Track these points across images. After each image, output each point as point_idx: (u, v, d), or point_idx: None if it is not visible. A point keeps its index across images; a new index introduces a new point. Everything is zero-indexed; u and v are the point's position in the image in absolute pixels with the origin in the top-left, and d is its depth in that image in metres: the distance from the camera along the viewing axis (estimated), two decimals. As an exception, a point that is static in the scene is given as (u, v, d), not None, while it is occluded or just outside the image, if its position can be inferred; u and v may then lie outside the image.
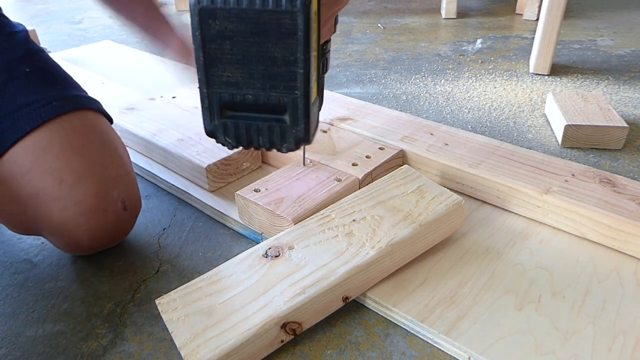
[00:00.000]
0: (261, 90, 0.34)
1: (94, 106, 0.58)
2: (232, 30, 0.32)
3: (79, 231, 0.52)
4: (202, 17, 0.32)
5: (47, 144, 0.52)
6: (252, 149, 0.38)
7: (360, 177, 0.60)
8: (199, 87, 0.35)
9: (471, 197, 0.63)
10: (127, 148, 0.76)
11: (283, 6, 0.31)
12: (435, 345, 0.45)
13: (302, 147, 0.37)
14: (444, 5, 1.56)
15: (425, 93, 1.01)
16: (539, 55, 1.06)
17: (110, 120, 0.61)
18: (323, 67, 0.53)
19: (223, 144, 0.38)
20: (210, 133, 0.37)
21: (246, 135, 0.37)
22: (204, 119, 0.36)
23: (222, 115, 0.36)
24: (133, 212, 0.57)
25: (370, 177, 0.62)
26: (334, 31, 0.49)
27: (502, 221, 0.59)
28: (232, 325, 0.42)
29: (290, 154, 0.66)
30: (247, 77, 0.34)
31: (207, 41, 0.33)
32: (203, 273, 0.48)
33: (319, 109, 0.40)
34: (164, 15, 0.61)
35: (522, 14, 1.55)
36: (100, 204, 0.52)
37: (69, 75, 0.61)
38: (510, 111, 0.91)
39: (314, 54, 0.34)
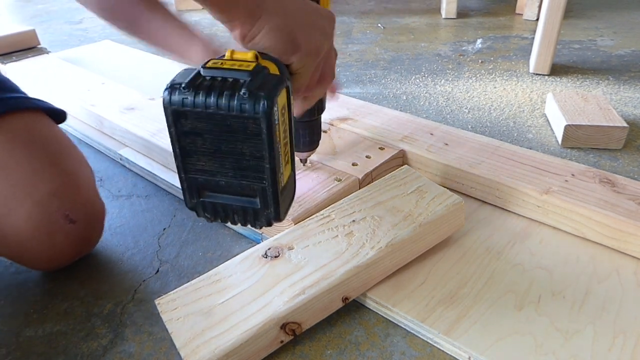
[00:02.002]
0: (233, 179, 0.37)
1: (29, 105, 0.53)
2: (202, 128, 0.35)
3: (30, 256, 0.50)
4: (175, 116, 0.35)
5: None
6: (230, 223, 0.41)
7: (360, 177, 0.60)
8: (178, 173, 0.38)
9: (471, 197, 0.63)
10: (127, 148, 0.77)
11: (247, 112, 0.34)
12: (435, 345, 0.45)
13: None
14: (444, 5, 1.56)
15: (425, 93, 1.01)
16: (539, 55, 1.06)
17: (60, 115, 0.57)
18: (309, 134, 0.58)
19: (204, 218, 0.41)
20: (190, 209, 0.40)
21: (223, 213, 0.40)
22: (185, 198, 0.39)
23: (200, 196, 0.39)
24: (87, 220, 0.52)
25: (370, 177, 0.62)
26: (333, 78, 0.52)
27: (502, 221, 0.59)
28: (232, 325, 0.42)
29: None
30: (219, 167, 0.37)
31: (180, 136, 0.36)
32: (203, 273, 0.48)
33: (293, 185, 0.43)
34: (182, 23, 0.56)
35: (522, 14, 1.55)
36: (38, 227, 0.48)
37: (4, 78, 0.56)
38: (510, 111, 0.91)
39: (282, 143, 0.37)
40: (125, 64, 1.14)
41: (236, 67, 0.35)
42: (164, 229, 0.62)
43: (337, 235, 0.50)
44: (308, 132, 0.57)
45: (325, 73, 0.46)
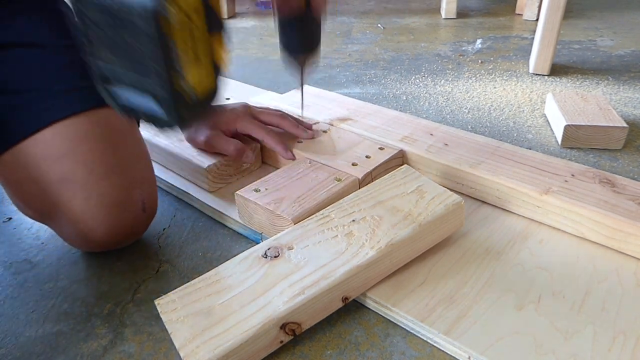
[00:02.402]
0: (138, 76, 0.35)
1: None
2: (100, 20, 0.33)
3: (95, 223, 0.52)
4: (78, 6, 0.34)
5: (85, 135, 0.53)
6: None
7: (360, 177, 0.60)
8: (84, 55, 0.36)
9: (471, 197, 0.63)
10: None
11: (133, 6, 0.31)
12: (435, 345, 0.45)
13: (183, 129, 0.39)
14: (444, 5, 1.56)
15: (425, 93, 1.01)
16: (538, 56, 1.06)
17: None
18: (297, 35, 0.51)
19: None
20: (99, 92, 0.38)
21: (131, 109, 0.37)
22: (94, 81, 0.37)
23: (105, 82, 0.37)
24: (150, 215, 0.57)
25: (370, 177, 0.62)
26: None
27: (502, 221, 0.59)
28: (232, 325, 0.42)
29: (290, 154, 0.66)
30: (121, 65, 0.35)
31: (84, 25, 0.34)
32: (203, 273, 0.48)
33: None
34: None
35: (522, 14, 1.55)
36: (122, 200, 0.53)
37: None
38: (510, 111, 0.91)
39: (190, 48, 0.34)
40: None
41: None
42: (164, 229, 0.62)
43: (336, 235, 0.50)
44: (296, 32, 0.52)
45: None
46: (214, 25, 0.37)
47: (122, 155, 0.54)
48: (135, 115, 0.37)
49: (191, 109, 0.36)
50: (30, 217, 0.59)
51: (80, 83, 0.54)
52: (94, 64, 0.36)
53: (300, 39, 0.53)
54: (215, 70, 0.38)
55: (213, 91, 0.38)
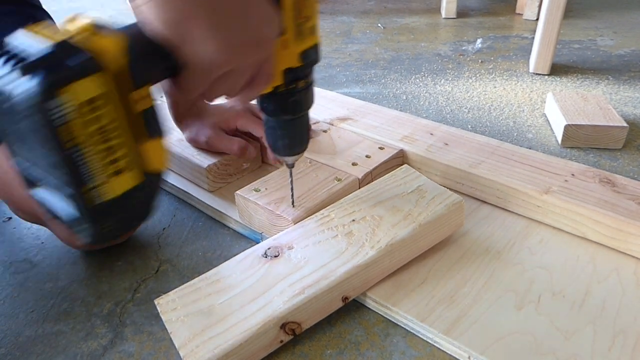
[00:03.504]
0: (50, 177, 0.30)
1: None
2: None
3: None
4: None
5: None
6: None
7: (360, 177, 0.60)
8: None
9: (471, 197, 0.63)
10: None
11: (14, 98, 0.26)
12: (435, 344, 0.45)
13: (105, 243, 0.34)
14: (444, 5, 1.56)
15: (425, 93, 1.01)
16: (538, 55, 1.06)
17: None
18: (288, 136, 0.46)
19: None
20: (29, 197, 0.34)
21: (52, 216, 0.33)
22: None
23: (32, 186, 0.33)
24: None
25: (370, 177, 0.62)
26: (308, 65, 0.43)
27: (502, 221, 0.59)
28: (231, 325, 0.42)
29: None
30: (34, 163, 0.30)
31: None
32: (203, 273, 0.48)
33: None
34: None
35: (522, 14, 1.55)
36: None
37: None
38: (510, 111, 0.91)
39: (92, 148, 0.29)
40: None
41: (48, 36, 0.27)
42: (164, 229, 0.62)
43: (337, 235, 0.50)
44: (287, 133, 0.48)
45: (256, 81, 0.37)
46: (150, 128, 0.32)
47: None
48: (64, 224, 0.33)
49: (101, 212, 0.31)
50: (25, 219, 0.58)
51: None
52: (17, 165, 0.32)
53: (285, 142, 0.48)
54: (146, 175, 0.33)
55: (140, 192, 0.33)
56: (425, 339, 0.45)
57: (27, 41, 0.27)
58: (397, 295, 0.48)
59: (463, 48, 1.28)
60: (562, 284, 0.49)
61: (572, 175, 0.59)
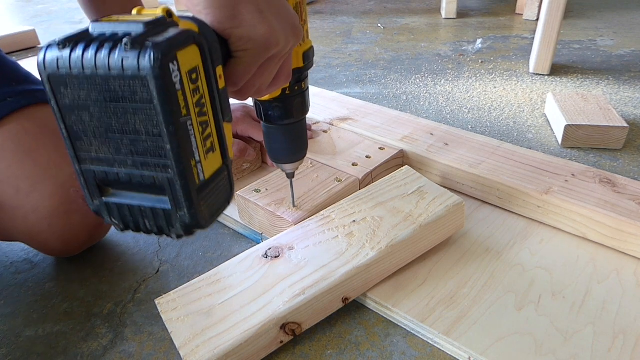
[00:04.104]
0: (133, 168, 0.29)
1: None
2: (85, 98, 0.27)
3: (45, 237, 0.51)
4: (53, 85, 0.28)
5: (0, 151, 0.51)
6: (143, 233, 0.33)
7: (360, 177, 0.60)
8: (72, 163, 0.30)
9: (471, 197, 0.63)
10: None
11: (130, 70, 0.25)
12: (435, 345, 0.45)
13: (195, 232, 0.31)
14: (444, 5, 1.56)
15: (425, 93, 1.01)
16: (539, 55, 1.06)
17: None
18: (288, 141, 0.46)
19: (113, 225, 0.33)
20: (95, 213, 0.32)
21: (132, 218, 0.31)
22: (86, 198, 0.31)
23: (102, 194, 0.31)
24: None
25: (370, 177, 0.62)
26: (307, 67, 0.44)
27: (502, 221, 0.59)
28: (232, 325, 0.42)
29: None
30: (115, 152, 0.29)
31: (64, 112, 0.28)
32: (203, 273, 0.48)
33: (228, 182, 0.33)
34: None
35: (522, 14, 1.55)
36: (58, 206, 0.51)
37: (27, 72, 0.59)
38: (510, 111, 0.91)
39: (196, 120, 0.29)
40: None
41: (132, 20, 0.27)
42: (164, 229, 0.62)
43: (337, 236, 0.50)
44: (288, 137, 0.48)
45: (279, 75, 0.39)
46: (226, 110, 0.33)
47: (45, 160, 0.51)
48: (137, 224, 0.31)
49: (205, 197, 0.31)
50: (2, 240, 0.58)
51: None
52: (85, 170, 0.30)
53: (284, 147, 0.49)
54: (226, 155, 0.33)
55: (226, 174, 0.33)
56: (425, 339, 0.45)
57: (114, 26, 0.27)
58: (397, 296, 0.48)
59: (463, 48, 1.29)
60: (562, 284, 0.49)
61: (573, 175, 0.59)
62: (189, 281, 0.47)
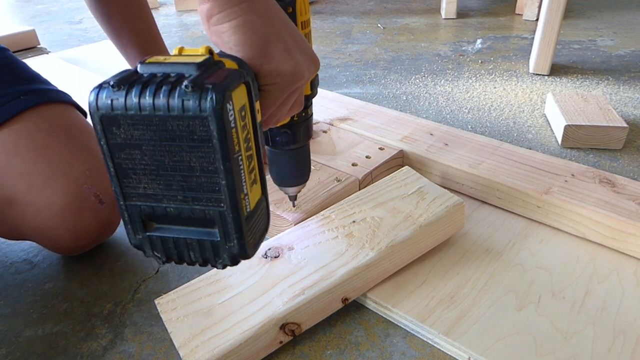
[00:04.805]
0: (183, 203, 0.30)
1: (62, 98, 0.57)
2: (139, 138, 0.29)
3: (57, 233, 0.51)
4: (105, 125, 0.28)
5: (14, 147, 0.51)
6: (185, 264, 0.34)
7: (360, 178, 0.60)
8: (116, 199, 0.31)
9: (471, 197, 0.63)
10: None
11: (190, 111, 0.27)
12: (435, 345, 0.45)
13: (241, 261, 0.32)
14: (444, 5, 1.56)
15: (425, 93, 1.01)
16: (538, 56, 1.06)
17: (84, 113, 0.60)
18: (295, 165, 0.48)
19: (153, 258, 0.33)
20: (136, 247, 0.33)
21: (176, 250, 0.32)
22: (127, 232, 0.32)
23: (146, 229, 0.32)
24: (114, 203, 0.54)
25: (370, 177, 0.62)
26: (314, 94, 0.47)
27: (502, 221, 0.59)
28: (231, 325, 0.42)
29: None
30: (165, 188, 0.30)
31: (114, 151, 0.29)
32: (203, 273, 0.48)
33: (266, 210, 0.35)
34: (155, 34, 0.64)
35: (522, 14, 1.55)
36: (71, 202, 0.51)
37: (35, 72, 0.60)
38: (510, 111, 0.91)
39: (244, 155, 0.30)
40: (125, 64, 1.14)
41: (181, 61, 0.29)
42: (164, 229, 0.62)
43: (337, 236, 0.50)
44: (293, 162, 0.50)
45: (295, 104, 0.40)
46: (263, 145, 0.34)
47: (58, 157, 0.52)
48: (182, 256, 0.32)
49: (251, 227, 0.32)
50: (6, 238, 0.58)
51: (6, 90, 0.53)
52: (131, 206, 0.31)
53: (292, 171, 0.51)
54: (265, 186, 0.34)
55: (265, 202, 0.35)
56: (425, 339, 0.45)
57: (164, 67, 0.28)
58: (397, 296, 0.48)
59: (463, 48, 1.29)
60: (562, 284, 0.49)
61: (572, 175, 0.59)
62: (188, 281, 0.47)
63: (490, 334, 0.44)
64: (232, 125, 0.28)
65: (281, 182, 0.52)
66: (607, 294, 0.48)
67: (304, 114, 0.47)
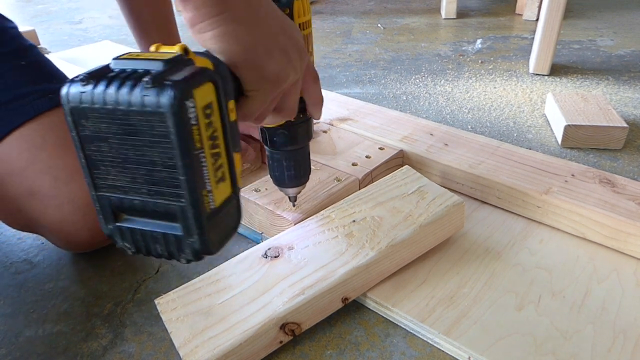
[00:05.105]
0: (148, 196, 0.31)
1: None
2: (106, 131, 0.29)
3: (76, 227, 0.52)
4: (74, 117, 0.29)
5: (42, 141, 0.52)
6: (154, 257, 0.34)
7: (360, 177, 0.60)
8: (89, 189, 0.32)
9: (471, 197, 0.63)
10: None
11: (149, 107, 0.27)
12: (435, 345, 0.45)
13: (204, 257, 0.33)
14: (444, 5, 1.56)
15: (425, 93, 1.01)
16: (538, 56, 1.06)
17: None
18: (294, 166, 0.49)
19: (123, 249, 0.34)
20: (108, 236, 0.33)
21: (143, 243, 0.33)
22: (100, 222, 0.33)
23: (116, 219, 0.33)
24: None
25: (370, 177, 0.62)
26: (318, 101, 0.47)
27: (502, 221, 0.59)
28: (231, 325, 0.42)
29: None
30: (131, 181, 0.31)
31: (84, 142, 0.30)
32: (202, 273, 0.48)
33: (237, 207, 0.35)
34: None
35: (522, 14, 1.55)
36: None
37: (61, 71, 0.61)
38: (510, 111, 0.91)
39: (208, 152, 0.30)
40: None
41: (151, 58, 0.29)
42: (164, 229, 0.62)
43: (337, 236, 0.50)
44: (293, 163, 0.50)
45: (284, 107, 0.41)
46: (236, 141, 0.34)
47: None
48: (149, 248, 0.33)
49: (215, 224, 0.32)
50: (18, 230, 0.59)
51: (25, 89, 0.53)
52: (101, 196, 0.32)
53: (290, 172, 0.50)
54: (235, 185, 0.34)
55: (235, 201, 0.35)
56: (425, 339, 0.45)
57: (135, 63, 0.29)
58: (397, 296, 0.48)
59: (463, 48, 1.29)
60: (562, 284, 0.49)
61: (572, 175, 0.59)
62: (188, 281, 0.47)
63: (490, 333, 0.44)
64: (194, 122, 0.28)
65: (280, 183, 0.52)
66: (607, 294, 0.48)
67: (301, 115, 0.47)
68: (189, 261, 0.32)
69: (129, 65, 0.29)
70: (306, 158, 0.51)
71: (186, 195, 0.30)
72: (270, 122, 0.44)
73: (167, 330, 0.43)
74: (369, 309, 0.49)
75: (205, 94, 0.29)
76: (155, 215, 0.31)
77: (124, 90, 0.28)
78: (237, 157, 0.34)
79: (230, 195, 0.34)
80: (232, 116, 0.34)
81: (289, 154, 0.49)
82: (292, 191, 0.53)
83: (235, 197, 0.35)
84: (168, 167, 0.29)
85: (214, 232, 0.32)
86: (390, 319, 0.47)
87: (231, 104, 0.33)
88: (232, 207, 0.34)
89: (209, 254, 0.32)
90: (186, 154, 0.28)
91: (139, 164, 0.30)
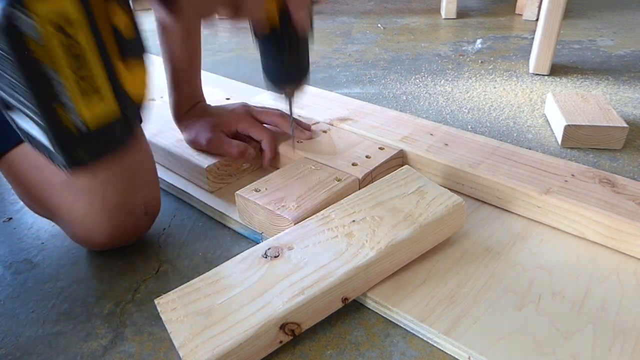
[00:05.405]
0: (22, 106, 0.31)
1: None
2: None
3: (99, 226, 0.53)
4: None
5: None
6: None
7: (360, 177, 0.60)
8: None
9: (471, 197, 0.63)
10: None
11: None
12: (435, 345, 0.45)
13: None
14: (444, 5, 1.56)
15: (425, 93, 1.01)
16: (538, 56, 1.06)
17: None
18: (283, 61, 0.42)
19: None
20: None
21: (29, 140, 0.33)
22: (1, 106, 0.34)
23: (8, 109, 0.33)
24: (152, 217, 0.58)
25: (370, 177, 0.62)
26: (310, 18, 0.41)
27: (502, 221, 0.59)
28: (231, 325, 0.42)
29: (290, 154, 0.66)
30: (12, 91, 0.30)
31: None
32: (202, 273, 0.48)
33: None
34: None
35: (522, 14, 1.55)
36: (124, 204, 0.53)
37: None
38: (510, 111, 0.91)
39: (64, 69, 0.29)
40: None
41: None
42: (164, 229, 0.62)
43: (337, 236, 0.50)
44: (291, 57, 0.43)
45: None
46: (128, 50, 0.32)
47: (128, 159, 0.54)
48: (36, 146, 0.33)
49: (85, 144, 0.31)
50: (35, 212, 0.59)
51: None
52: None
53: (285, 67, 0.44)
54: (123, 99, 0.32)
55: (116, 121, 0.32)
56: (425, 339, 0.45)
57: None
58: (397, 296, 0.48)
59: (463, 48, 1.29)
60: (562, 284, 0.49)
61: (572, 175, 0.59)
62: (188, 281, 0.47)
63: (490, 333, 0.44)
64: (36, 37, 0.27)
65: (275, 80, 0.45)
66: (607, 294, 0.48)
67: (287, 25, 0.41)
68: (66, 170, 0.32)
69: None
70: (306, 51, 0.45)
71: (37, 110, 0.29)
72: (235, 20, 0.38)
73: (167, 330, 0.43)
74: (369, 309, 0.49)
75: (61, 9, 0.27)
76: (32, 121, 0.31)
77: None
78: (134, 67, 0.32)
79: (114, 110, 0.32)
80: (121, 25, 0.31)
81: (277, 43, 0.44)
82: (289, 90, 0.46)
83: (124, 116, 0.33)
84: (21, 82, 0.29)
85: (81, 147, 0.31)
86: (390, 319, 0.47)
87: (123, 16, 0.31)
88: (119, 125, 0.33)
89: (75, 168, 0.31)
90: (29, 70, 0.28)
91: (10, 77, 0.29)
